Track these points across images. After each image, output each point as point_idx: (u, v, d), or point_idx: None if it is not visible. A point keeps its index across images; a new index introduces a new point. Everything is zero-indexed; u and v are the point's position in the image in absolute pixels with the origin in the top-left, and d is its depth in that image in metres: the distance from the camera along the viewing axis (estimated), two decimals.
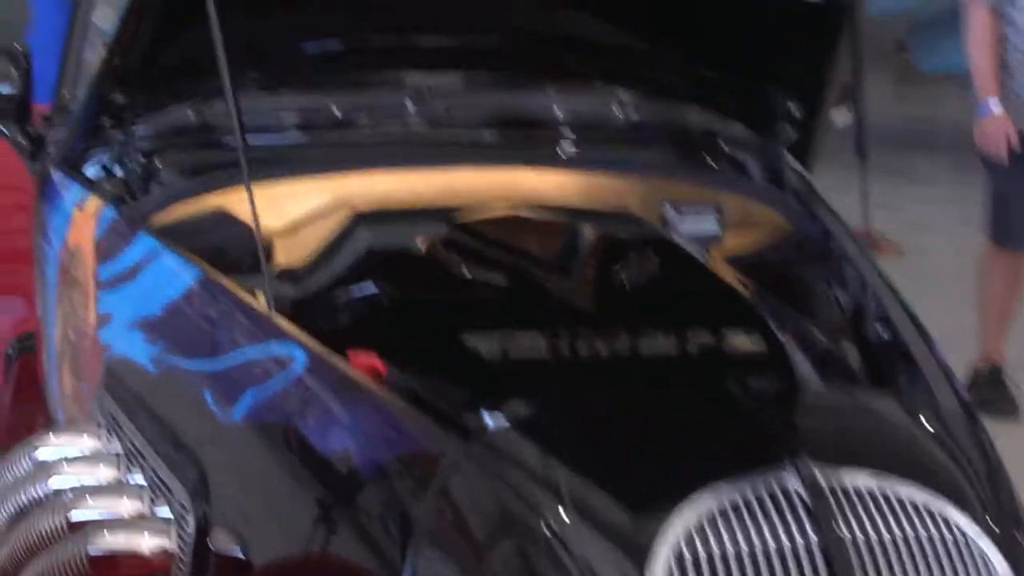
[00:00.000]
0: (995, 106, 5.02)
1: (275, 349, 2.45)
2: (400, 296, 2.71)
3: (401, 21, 3.42)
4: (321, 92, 3.55)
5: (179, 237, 2.98)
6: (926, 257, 7.64)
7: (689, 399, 2.32)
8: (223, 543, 2.40)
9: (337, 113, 3.53)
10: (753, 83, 3.50)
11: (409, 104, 3.54)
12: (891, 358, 2.66)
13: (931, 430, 2.28)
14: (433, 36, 3.47)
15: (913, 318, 2.75)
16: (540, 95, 3.68)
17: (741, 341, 2.61)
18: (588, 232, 3.03)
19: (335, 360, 2.34)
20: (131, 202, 3.18)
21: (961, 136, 9.48)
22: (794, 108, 3.43)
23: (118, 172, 3.33)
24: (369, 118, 3.55)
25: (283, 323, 2.49)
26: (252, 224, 3.04)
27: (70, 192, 3.37)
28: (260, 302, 2.69)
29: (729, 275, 3.04)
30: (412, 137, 3.54)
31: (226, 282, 2.66)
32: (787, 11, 3.20)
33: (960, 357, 6.05)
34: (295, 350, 2.39)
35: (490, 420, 2.22)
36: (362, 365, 2.38)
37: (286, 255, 3.03)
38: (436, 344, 2.55)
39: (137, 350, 2.84)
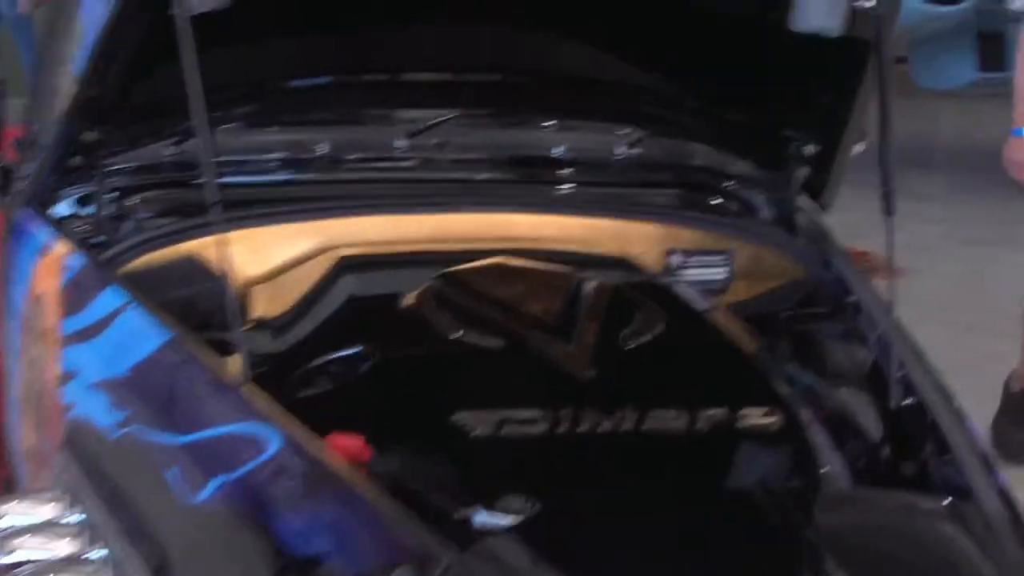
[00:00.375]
0: None
1: (247, 430, 2.24)
2: (385, 361, 2.51)
3: (393, 54, 3.21)
4: (306, 128, 3.36)
5: (151, 289, 2.79)
6: (924, 279, 7.44)
7: (704, 505, 2.11)
8: None
9: (323, 151, 3.33)
10: (765, 120, 3.30)
11: (400, 142, 3.34)
12: (917, 431, 2.45)
13: (968, 540, 2.07)
14: (427, 71, 3.26)
15: (936, 381, 2.54)
16: (539, 132, 3.48)
17: (756, 423, 2.39)
18: (588, 286, 2.83)
19: (313, 446, 2.13)
20: (101, 248, 2.97)
21: (959, 154, 9.31)
22: (810, 147, 3.22)
23: (88, 213, 3.12)
24: (357, 156, 3.35)
25: (257, 398, 2.27)
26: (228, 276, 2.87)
27: (37, 233, 3.16)
28: (234, 365, 2.48)
29: (738, 332, 2.84)
30: (402, 177, 3.34)
31: (196, 347, 2.45)
32: (807, 47, 2.99)
33: (963, 385, 5.87)
34: (269, 433, 2.18)
35: (487, 521, 2.01)
36: (344, 450, 2.17)
37: (266, 307, 2.84)
38: (425, 421, 2.34)
39: (100, 413, 2.63)
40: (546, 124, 3.51)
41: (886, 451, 2.47)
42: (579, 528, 2.04)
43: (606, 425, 2.35)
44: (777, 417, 2.41)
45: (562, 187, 3.41)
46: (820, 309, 3.05)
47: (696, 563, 1.98)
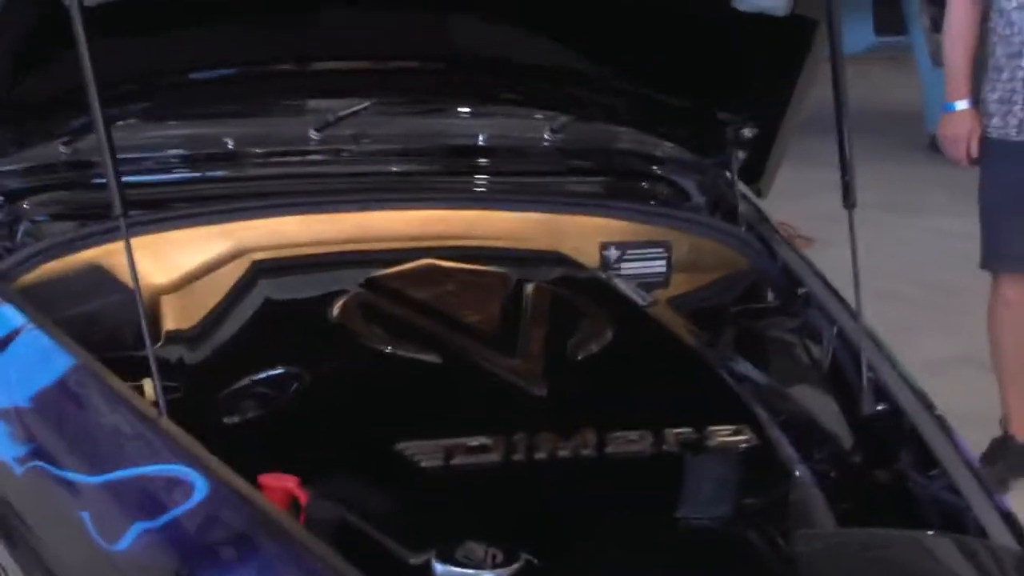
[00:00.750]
0: (962, 106, 4.52)
1: (169, 471, 2.01)
2: (314, 383, 2.29)
3: (302, 43, 2.99)
4: (211, 123, 3.13)
5: (51, 305, 2.55)
6: (832, 249, 7.33)
7: (678, 535, 1.91)
8: None
9: (229, 146, 3.10)
10: (701, 103, 3.11)
11: (312, 134, 3.12)
12: (895, 439, 2.27)
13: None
14: (338, 59, 3.04)
15: (913, 386, 2.37)
16: (459, 120, 3.28)
17: (726, 440, 2.20)
18: (527, 289, 2.62)
19: (244, 490, 1.91)
20: None
21: (862, 119, 9.24)
22: (748, 130, 3.03)
23: None
24: (266, 151, 3.13)
25: (176, 432, 2.04)
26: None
27: None
28: (148, 392, 2.26)
29: (688, 334, 2.65)
30: (315, 172, 3.12)
31: (106, 373, 2.22)
32: (747, 25, 2.80)
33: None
34: (194, 476, 1.95)
35: (441, 572, 1.81)
36: (277, 493, 1.94)
37: (176, 319, 2.61)
38: (365, 453, 2.12)
39: (2, 447, 2.38)
40: (466, 112, 3.32)
41: (860, 462, 2.29)
42: (549, 573, 1.84)
43: (565, 451, 2.14)
44: (748, 435, 2.21)
45: (486, 177, 3.21)
46: (768, 303, 2.87)
47: None
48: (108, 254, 2.68)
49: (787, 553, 1.85)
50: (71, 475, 2.20)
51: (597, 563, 1.87)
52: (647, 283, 2.97)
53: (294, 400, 2.25)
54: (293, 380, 2.31)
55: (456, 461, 2.10)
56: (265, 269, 2.71)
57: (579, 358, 2.42)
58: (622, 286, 2.84)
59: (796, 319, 2.75)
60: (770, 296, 2.89)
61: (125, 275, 2.66)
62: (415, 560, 1.89)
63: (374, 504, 2.01)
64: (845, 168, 2.52)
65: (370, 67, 3.14)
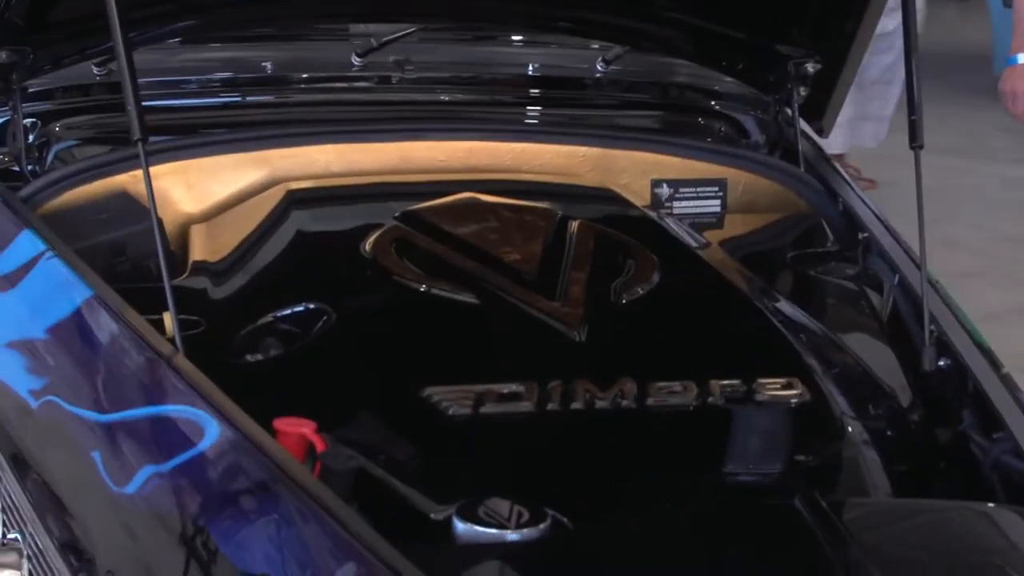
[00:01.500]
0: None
1: (180, 413, 1.90)
2: (341, 321, 2.17)
3: None
4: (249, 46, 3.02)
5: (74, 232, 2.45)
6: (900, 192, 7.18)
7: (716, 512, 1.78)
8: None
9: (268, 70, 2.99)
10: (762, 35, 2.96)
11: (355, 59, 2.99)
12: (957, 398, 2.13)
13: None
14: None
15: (979, 342, 2.22)
16: (508, 49, 3.15)
17: (776, 394, 2.06)
18: (571, 227, 2.49)
19: (257, 435, 1.79)
20: (18, 183, 2.61)
21: (929, 60, 9.05)
22: (811, 65, 2.88)
23: (5, 143, 2.77)
24: (306, 76, 3.01)
25: (191, 372, 1.92)
26: (166, 213, 2.54)
27: None
28: (167, 327, 2.14)
29: (740, 281, 2.51)
30: (357, 99, 3.00)
31: (122, 306, 2.10)
32: None
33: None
34: (205, 419, 1.83)
35: (462, 531, 1.69)
36: (293, 439, 1.83)
37: (205, 249, 2.50)
38: (390, 398, 2.00)
39: (17, 378, 2.28)
40: (516, 40, 3.18)
41: (919, 421, 2.15)
42: (582, 540, 1.72)
43: (603, 401, 2.01)
44: (800, 388, 2.07)
45: (535, 109, 3.08)
46: (827, 247, 2.73)
47: (717, 568, 1.66)
48: (136, 180, 2.56)
49: (834, 522, 1.71)
50: (83, 412, 2.09)
51: (629, 526, 1.74)
52: (700, 223, 2.85)
53: (318, 339, 2.13)
54: (319, 317, 2.19)
55: (486, 409, 1.97)
56: (300, 199, 2.59)
57: (623, 302, 2.28)
58: (673, 226, 2.71)
59: (856, 266, 2.61)
60: (829, 240, 2.75)
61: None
62: (436, 515, 1.77)
63: (396, 453, 1.89)
64: (913, 107, 2.36)
65: None
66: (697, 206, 2.88)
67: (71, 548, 2.01)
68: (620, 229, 2.54)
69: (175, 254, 2.50)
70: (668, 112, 3.15)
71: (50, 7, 2.63)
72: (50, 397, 2.19)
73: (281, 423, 1.84)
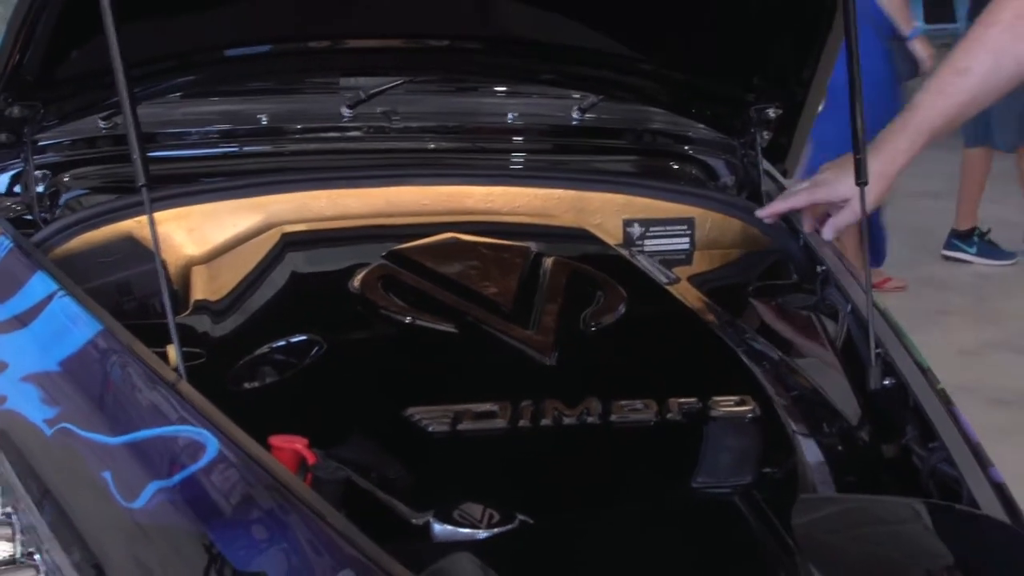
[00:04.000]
0: None
1: (183, 432, 2.08)
2: (332, 350, 2.35)
3: (335, 21, 3.06)
4: (246, 99, 3.21)
5: (84, 274, 2.64)
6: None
7: (678, 503, 1.96)
8: None
9: (264, 122, 3.18)
10: (726, 83, 3.16)
11: (345, 111, 3.19)
12: (901, 414, 2.31)
13: (975, 550, 1.93)
14: (371, 37, 3.10)
15: (919, 362, 2.41)
16: (490, 99, 3.35)
17: (730, 411, 2.25)
18: (545, 263, 2.68)
19: (253, 450, 1.97)
20: (31, 230, 2.80)
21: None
22: (772, 110, 3.08)
23: (17, 192, 2.95)
24: (300, 127, 3.21)
25: (193, 396, 2.11)
26: (169, 255, 2.73)
27: None
28: (171, 357, 2.33)
29: (705, 310, 2.70)
30: (347, 148, 3.20)
31: (129, 338, 2.29)
32: (768, 4, 2.84)
33: (919, 338, 5.84)
34: (205, 437, 2.02)
35: (444, 533, 1.87)
36: (286, 454, 2.01)
37: (206, 288, 2.68)
38: (376, 417, 2.19)
39: (32, 408, 2.46)
40: (497, 90, 3.38)
41: (866, 436, 2.34)
42: (546, 537, 1.90)
43: (570, 418, 2.20)
44: (752, 405, 2.26)
45: (515, 155, 3.27)
46: (788, 280, 2.91)
47: (674, 567, 1.83)
48: (141, 225, 2.75)
49: (769, 515, 1.89)
50: (95, 436, 2.27)
51: (582, 522, 1.92)
52: (670, 259, 3.03)
53: (310, 367, 2.32)
54: (311, 348, 2.37)
55: (463, 426, 2.16)
56: (294, 241, 2.77)
57: (591, 330, 2.47)
58: (644, 262, 2.89)
59: (813, 296, 2.79)
60: (790, 274, 2.93)
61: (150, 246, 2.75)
62: (417, 520, 1.95)
63: (381, 466, 2.08)
64: (858, 147, 2.55)
65: (403, 45, 3.20)
66: (667, 244, 3.06)
67: (85, 562, 2.19)
68: (592, 265, 2.72)
69: (178, 293, 2.69)
70: (641, 157, 3.34)
71: (59, 64, 2.81)
72: (63, 424, 2.37)
73: (276, 440, 2.02)
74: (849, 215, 2.78)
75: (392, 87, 3.21)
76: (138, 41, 2.76)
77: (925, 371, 2.37)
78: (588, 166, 3.25)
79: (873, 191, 2.70)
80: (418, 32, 3.16)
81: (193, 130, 3.19)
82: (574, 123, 3.34)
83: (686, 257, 3.07)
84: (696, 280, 2.93)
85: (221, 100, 3.27)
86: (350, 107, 3.19)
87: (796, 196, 2.89)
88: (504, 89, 3.39)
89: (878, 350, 2.44)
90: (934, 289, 6.84)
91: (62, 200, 3.02)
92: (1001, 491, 2.05)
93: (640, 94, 3.31)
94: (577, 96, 3.35)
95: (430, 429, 2.15)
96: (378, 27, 3.13)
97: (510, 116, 3.32)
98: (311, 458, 2.00)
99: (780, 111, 3.09)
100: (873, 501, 2.05)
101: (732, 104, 3.16)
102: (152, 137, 3.14)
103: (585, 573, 1.83)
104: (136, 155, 2.30)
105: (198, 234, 2.85)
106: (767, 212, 2.94)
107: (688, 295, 2.76)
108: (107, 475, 2.20)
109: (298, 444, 2.01)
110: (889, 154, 2.74)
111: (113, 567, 2.13)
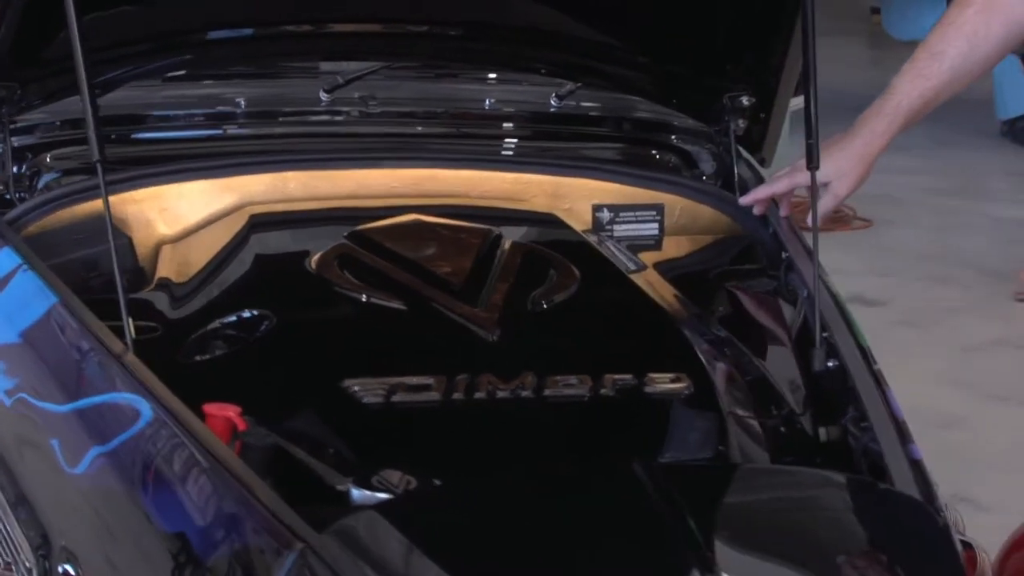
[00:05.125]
0: None
1: (121, 399, 2.14)
2: (281, 325, 2.40)
3: (317, 5, 3.10)
4: (226, 83, 3.26)
5: (55, 250, 2.69)
6: (896, 231, 7.40)
7: (592, 483, 1.99)
8: None
9: (242, 106, 3.23)
10: (700, 71, 3.19)
11: (323, 95, 3.23)
12: (838, 396, 2.34)
13: (876, 522, 1.96)
14: (352, 21, 3.15)
15: (864, 351, 2.44)
16: (468, 85, 3.39)
17: (664, 388, 2.29)
18: (504, 245, 2.72)
19: (183, 416, 2.03)
20: (6, 209, 2.86)
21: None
22: (744, 98, 3.11)
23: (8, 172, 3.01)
24: (278, 111, 3.26)
25: (136, 366, 2.16)
26: (139, 233, 2.78)
27: None
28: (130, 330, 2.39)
29: (660, 293, 2.73)
30: (324, 132, 3.24)
31: (81, 311, 2.34)
32: None
33: (927, 334, 5.88)
34: (141, 403, 2.08)
35: (362, 498, 1.92)
36: (218, 422, 2.06)
37: (170, 266, 2.73)
38: (314, 389, 2.24)
39: None
40: (475, 76, 3.42)
41: (803, 417, 2.37)
42: (463, 504, 1.94)
43: (504, 392, 2.24)
44: (687, 383, 2.30)
45: (492, 142, 3.31)
46: (753, 266, 2.94)
47: (591, 543, 1.87)
48: (117, 203, 2.80)
49: (665, 483, 1.92)
50: (46, 405, 2.33)
51: (483, 485, 1.96)
52: (640, 245, 3.06)
53: (258, 341, 2.37)
54: (261, 323, 2.42)
55: (396, 398, 2.20)
56: (261, 223, 2.82)
57: (538, 309, 2.51)
58: (610, 247, 2.93)
59: (776, 282, 2.82)
60: (757, 260, 2.96)
61: (128, 223, 2.81)
62: (341, 487, 1.99)
63: (312, 435, 2.13)
64: (810, 131, 2.59)
65: (383, 30, 3.25)
66: (636, 229, 3.09)
67: (33, 528, 2.25)
68: (555, 249, 2.76)
69: (144, 270, 2.74)
70: (618, 144, 3.37)
71: (35, 45, 2.87)
72: (21, 395, 2.43)
73: (209, 407, 2.08)
74: (829, 200, 2.80)
75: (370, 72, 3.25)
76: (115, 22, 2.84)
77: (865, 352, 2.40)
78: (563, 153, 3.28)
79: (852, 174, 2.77)
80: (398, 17, 3.20)
81: (172, 113, 3.24)
82: (552, 110, 3.37)
83: (655, 243, 3.10)
84: (664, 266, 2.96)
85: (200, 84, 3.31)
86: (328, 92, 3.23)
87: (778, 182, 2.91)
88: (483, 76, 3.42)
89: (824, 334, 2.47)
90: None
91: (42, 180, 3.07)
92: (918, 467, 2.08)
93: (617, 81, 3.34)
94: (553, 83, 3.38)
95: (364, 400, 2.20)
96: (358, 11, 3.18)
97: (488, 102, 3.36)
98: (241, 425, 2.05)
99: (753, 99, 3.11)
100: (774, 472, 2.09)
101: (706, 92, 3.19)
102: (134, 119, 3.20)
103: (475, 535, 1.87)
104: (91, 132, 2.35)
105: (170, 213, 2.89)
106: (750, 199, 2.96)
107: (649, 279, 2.80)
108: (55, 443, 2.26)
109: (230, 412, 2.06)
110: (867, 136, 2.78)
111: (55, 533, 2.18)
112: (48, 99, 3.07)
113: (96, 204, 2.82)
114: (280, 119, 3.26)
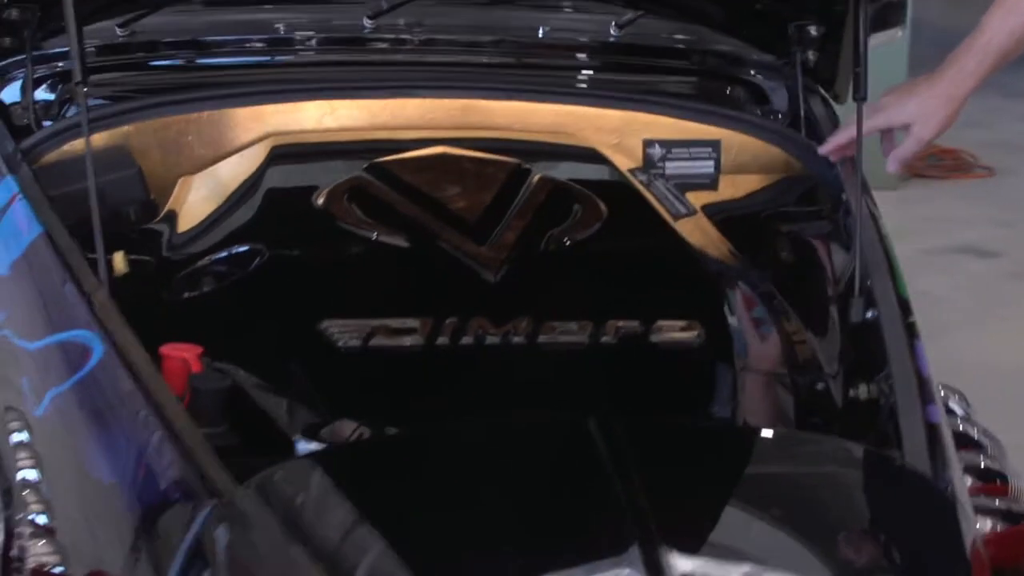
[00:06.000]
0: None
1: (79, 338, 2.00)
2: (273, 262, 2.25)
3: None
4: (264, 8, 3.11)
5: (66, 180, 2.56)
6: (1018, 180, 7.05)
7: (538, 438, 1.80)
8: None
9: (282, 31, 3.07)
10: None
11: (366, 21, 3.07)
12: (862, 356, 2.14)
13: (863, 498, 1.75)
14: None
15: (903, 303, 2.22)
16: (521, 12, 3.20)
17: (672, 337, 2.09)
18: (531, 179, 2.54)
19: (133, 358, 1.88)
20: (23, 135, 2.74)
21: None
22: (812, 28, 2.88)
23: (22, 99, 2.89)
24: (317, 38, 3.09)
25: (104, 304, 2.02)
26: (157, 162, 2.65)
27: None
28: (118, 264, 2.26)
29: (701, 233, 2.53)
30: (365, 60, 3.08)
31: (67, 243, 2.21)
32: None
33: None
34: (94, 343, 1.94)
35: (301, 448, 1.76)
36: (174, 363, 1.92)
37: (180, 199, 2.60)
38: (288, 329, 2.08)
39: None
40: (530, 3, 3.23)
41: (833, 374, 2.16)
42: (395, 456, 1.77)
43: (494, 337, 2.06)
44: (697, 331, 2.09)
45: (541, 72, 3.12)
46: (808, 209, 2.73)
47: (519, 505, 1.68)
48: (132, 134, 2.68)
49: (620, 442, 1.73)
50: (21, 342, 2.21)
51: (432, 436, 1.79)
52: (693, 184, 2.86)
53: (245, 279, 2.22)
54: (252, 258, 2.27)
55: (375, 342, 2.04)
56: (281, 154, 2.67)
57: (551, 249, 2.32)
58: (659, 186, 2.73)
59: (833, 225, 2.61)
60: (815, 202, 2.75)
61: (148, 152, 2.68)
62: (295, 437, 1.84)
63: (277, 379, 1.97)
64: (858, 60, 2.37)
65: None
66: (690, 167, 2.88)
67: (2, 474, 2.13)
68: (586, 186, 2.57)
69: (155, 202, 2.61)
70: (680, 77, 3.16)
71: None
72: (4, 331, 2.31)
73: (166, 348, 1.93)
74: (912, 144, 2.57)
75: None
76: None
77: (904, 304, 2.19)
78: (616, 84, 3.08)
79: (938, 115, 2.53)
80: None
81: (211, 38, 3.10)
82: (611, 40, 3.17)
83: (710, 182, 2.89)
84: (715, 207, 2.75)
85: (240, 8, 3.17)
86: (371, 17, 3.07)
87: (852, 125, 2.70)
88: (536, 2, 3.23)
89: (869, 281, 2.26)
90: None
91: (69, 109, 2.95)
92: (934, 432, 1.87)
93: (680, 9, 3.13)
94: (613, 11, 3.18)
95: (340, 343, 2.04)
96: None
97: (542, 31, 3.16)
98: (196, 367, 1.90)
99: (822, 29, 2.89)
100: (753, 434, 1.89)
101: (771, 20, 2.97)
102: (171, 45, 3.07)
103: (400, 489, 1.70)
104: (75, 51, 2.22)
105: (193, 142, 2.76)
106: (830, 147, 2.73)
107: (694, 222, 2.60)
108: (24, 382, 2.13)
109: (187, 353, 1.91)
110: (955, 76, 2.55)
111: (17, 480, 2.06)
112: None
113: (116, 132, 2.70)
114: (319, 46, 3.10)
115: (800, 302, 2.35)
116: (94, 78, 3.01)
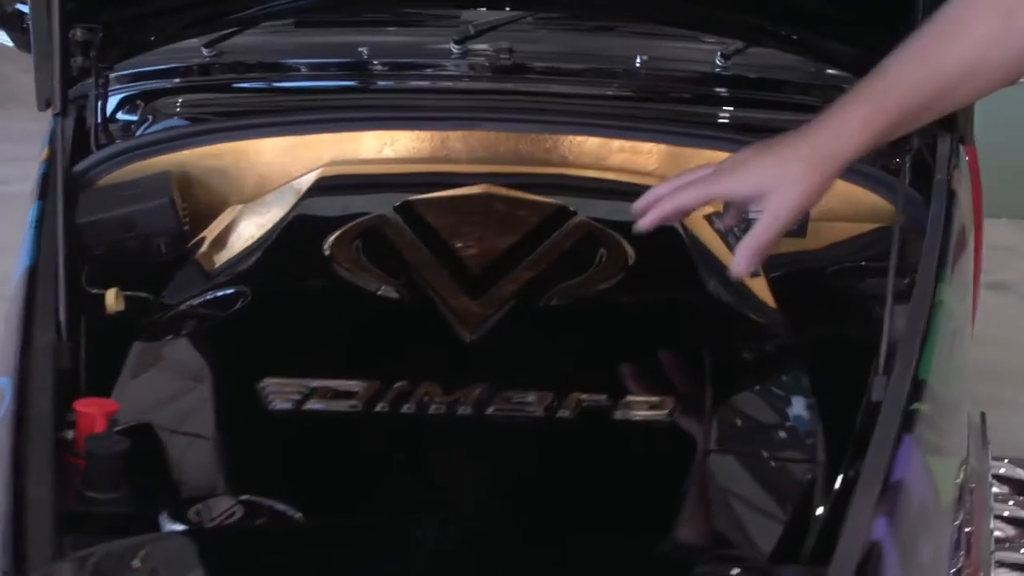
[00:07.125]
0: None
1: (3, 384, 1.93)
2: (253, 309, 2.15)
3: None
4: (347, 31, 3.03)
5: (103, 206, 2.51)
6: None
7: (368, 537, 1.65)
8: None
9: (366, 55, 2.98)
10: (872, 30, 2.74)
11: (453, 46, 2.95)
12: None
13: None
14: None
15: (916, 388, 1.97)
16: (618, 40, 3.04)
17: (638, 414, 1.91)
18: (568, 224, 2.37)
19: (37, 412, 1.80)
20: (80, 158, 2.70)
21: None
22: None
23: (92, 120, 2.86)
24: (399, 63, 2.99)
25: (57, 350, 1.94)
26: (204, 192, 2.58)
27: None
28: (109, 300, 2.19)
29: (737, 289, 2.31)
30: (448, 87, 2.96)
31: (47, 279, 2.14)
32: None
33: None
34: (7, 392, 1.86)
35: (164, 527, 1.65)
36: (87, 420, 1.82)
37: (213, 230, 2.52)
38: (226, 386, 1.97)
39: None
40: (627, 31, 3.06)
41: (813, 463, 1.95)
42: (217, 548, 1.64)
43: (438, 406, 1.91)
44: (670, 408, 1.90)
45: (629, 104, 2.95)
46: (887, 264, 2.49)
47: None
48: (179, 160, 2.62)
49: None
50: None
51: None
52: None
53: (211, 328, 2.12)
54: (235, 302, 2.17)
55: (309, 405, 1.91)
56: (326, 186, 2.57)
57: (549, 307, 2.16)
58: (731, 236, 2.53)
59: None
60: (899, 255, 2.51)
61: (195, 181, 2.61)
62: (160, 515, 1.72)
63: (187, 443, 1.86)
64: None
65: None
66: None
67: None
68: (621, 231, 2.38)
69: (186, 234, 2.53)
70: (778, 110, 2.95)
71: None
72: None
73: (81, 403, 1.84)
74: (766, 226, 1.97)
75: (507, 21, 2.95)
76: None
77: (918, 388, 1.95)
78: (704, 119, 2.89)
79: (803, 183, 1.95)
80: None
81: (291, 61, 3.02)
82: (715, 72, 2.98)
83: (798, 228, 2.67)
84: (784, 259, 2.52)
85: (324, 31, 3.08)
86: (458, 42, 2.95)
87: (685, 191, 2.05)
88: (636, 29, 3.06)
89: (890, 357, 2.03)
90: None
91: (144, 128, 2.91)
92: (873, 551, 1.64)
93: (787, 42, 2.93)
94: (718, 41, 2.99)
95: (271, 405, 1.91)
96: None
97: (639, 60, 2.99)
98: (100, 426, 1.80)
99: None
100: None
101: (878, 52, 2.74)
102: (251, 68, 3.01)
103: None
104: (56, 80, 2.15)
105: (241, 171, 2.67)
106: (642, 204, 2.12)
107: (737, 283, 2.37)
108: None
109: (96, 410, 1.82)
110: (835, 129, 1.98)
111: None
112: (147, 46, 2.91)
113: (166, 159, 2.65)
114: (401, 72, 2.99)
115: (822, 379, 2.13)
116: (167, 100, 2.97)
